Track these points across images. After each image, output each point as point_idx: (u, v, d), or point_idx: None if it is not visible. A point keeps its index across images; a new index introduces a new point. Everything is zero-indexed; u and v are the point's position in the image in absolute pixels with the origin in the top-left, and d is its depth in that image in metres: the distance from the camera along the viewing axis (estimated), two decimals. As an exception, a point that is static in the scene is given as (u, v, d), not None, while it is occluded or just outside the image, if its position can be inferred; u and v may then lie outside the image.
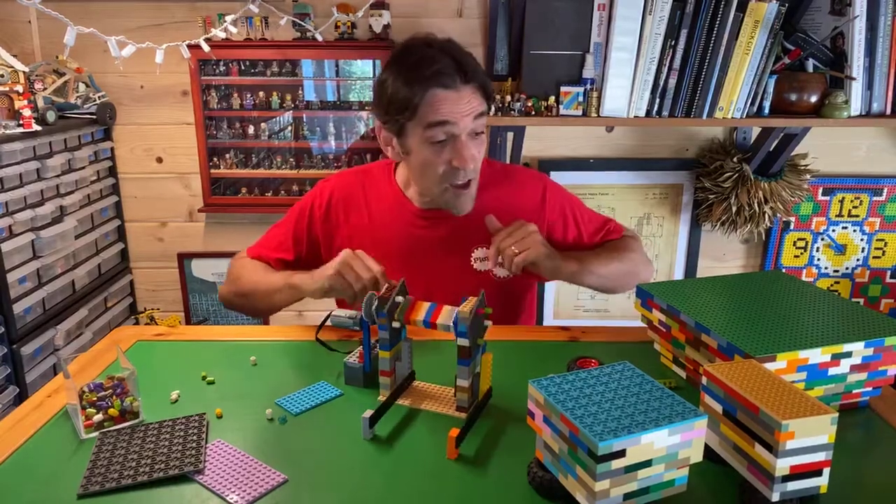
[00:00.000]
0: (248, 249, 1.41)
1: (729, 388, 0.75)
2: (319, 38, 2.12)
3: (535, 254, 1.17)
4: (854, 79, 1.92)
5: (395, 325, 0.94)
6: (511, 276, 1.29)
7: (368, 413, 0.87)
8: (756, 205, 2.16)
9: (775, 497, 0.70)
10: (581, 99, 1.92)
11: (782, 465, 0.69)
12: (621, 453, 0.66)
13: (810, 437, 0.69)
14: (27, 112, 1.82)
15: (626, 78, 1.91)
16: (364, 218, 1.35)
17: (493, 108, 1.93)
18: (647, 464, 0.68)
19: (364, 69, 2.29)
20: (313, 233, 1.37)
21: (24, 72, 1.85)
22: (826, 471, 0.71)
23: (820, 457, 0.70)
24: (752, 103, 1.96)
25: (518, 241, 1.17)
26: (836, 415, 0.69)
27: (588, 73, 1.92)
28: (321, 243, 1.37)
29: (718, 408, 0.77)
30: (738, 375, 0.76)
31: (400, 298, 0.95)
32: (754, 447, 0.71)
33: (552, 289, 2.45)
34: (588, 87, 1.92)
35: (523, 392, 0.79)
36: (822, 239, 2.40)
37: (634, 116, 1.95)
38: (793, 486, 0.70)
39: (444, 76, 1.14)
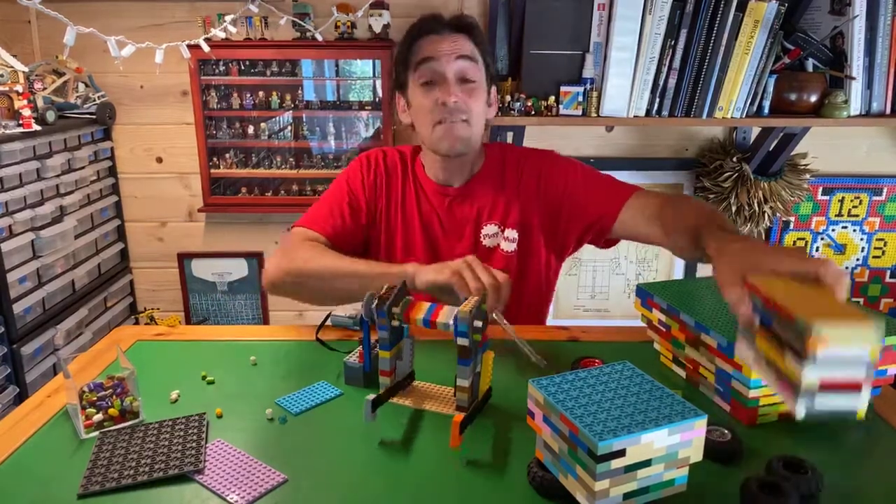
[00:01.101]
0: (299, 226, 1.32)
1: (768, 297, 0.66)
2: (319, 37, 2.12)
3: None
4: (854, 78, 1.92)
5: (396, 324, 0.94)
6: (514, 251, 1.33)
7: (371, 396, 0.87)
8: (756, 204, 2.16)
9: (800, 412, 0.62)
10: (581, 99, 1.92)
11: (811, 377, 0.61)
12: (621, 453, 0.66)
13: (848, 347, 0.60)
14: (27, 112, 1.82)
15: (625, 78, 1.91)
16: (398, 193, 1.37)
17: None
18: (646, 463, 0.68)
19: (364, 69, 2.29)
20: (367, 195, 1.35)
21: (23, 72, 1.85)
22: (866, 392, 0.61)
23: (858, 374, 0.61)
24: (752, 103, 1.96)
25: None
26: (883, 325, 0.60)
27: (588, 72, 1.92)
28: (368, 210, 1.36)
29: (756, 319, 0.69)
30: (783, 287, 0.67)
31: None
32: (784, 358, 0.63)
33: (552, 289, 2.45)
34: (588, 86, 1.92)
35: (523, 392, 0.79)
36: (822, 238, 2.40)
37: (634, 116, 1.95)
38: (823, 400, 0.61)
39: (432, 22, 1.26)
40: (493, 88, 1.36)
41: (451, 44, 1.24)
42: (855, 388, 0.62)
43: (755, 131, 2.22)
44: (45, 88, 1.99)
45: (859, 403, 0.62)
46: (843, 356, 0.60)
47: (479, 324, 0.87)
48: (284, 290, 1.26)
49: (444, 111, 1.24)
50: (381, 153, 1.41)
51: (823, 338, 0.59)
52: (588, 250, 2.39)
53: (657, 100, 1.94)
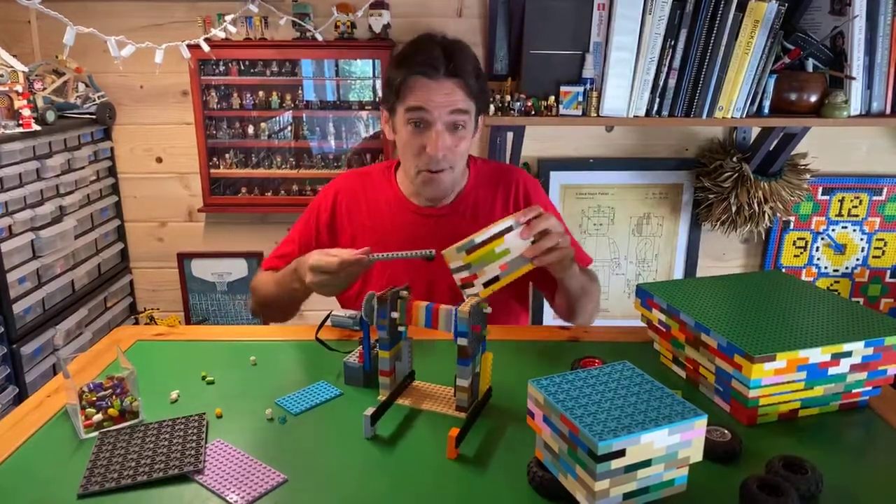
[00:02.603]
0: (265, 260, 1.44)
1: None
2: (319, 37, 2.12)
3: (567, 255, 1.11)
4: (854, 78, 1.92)
5: (395, 315, 0.93)
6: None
7: (370, 410, 0.87)
8: (756, 204, 2.16)
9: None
10: (581, 99, 1.92)
11: (455, 276, 1.04)
12: (621, 453, 0.66)
13: (452, 261, 1.02)
14: (27, 112, 1.82)
15: (625, 78, 1.91)
16: (365, 219, 1.37)
17: (492, 108, 1.93)
18: (646, 463, 0.68)
19: (364, 69, 2.29)
20: (321, 238, 1.38)
21: (23, 72, 1.85)
22: (478, 285, 1.02)
23: (464, 274, 1.03)
24: (752, 103, 1.95)
25: (552, 237, 1.07)
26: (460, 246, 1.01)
27: (588, 72, 1.92)
28: (329, 247, 1.38)
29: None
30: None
31: (404, 293, 0.96)
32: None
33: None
34: (588, 86, 1.92)
35: (523, 392, 0.79)
36: (822, 238, 2.40)
37: (634, 116, 1.95)
38: (467, 290, 1.04)
39: (427, 65, 1.20)
40: (481, 116, 1.34)
41: (444, 95, 1.20)
42: (472, 278, 1.02)
43: (755, 131, 2.22)
44: (45, 88, 1.99)
45: (476, 290, 1.02)
46: (456, 266, 1.02)
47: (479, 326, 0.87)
48: (266, 318, 1.43)
49: (430, 160, 1.24)
50: (342, 183, 1.41)
51: (446, 258, 1.02)
52: (588, 250, 2.40)
53: (657, 100, 1.94)
